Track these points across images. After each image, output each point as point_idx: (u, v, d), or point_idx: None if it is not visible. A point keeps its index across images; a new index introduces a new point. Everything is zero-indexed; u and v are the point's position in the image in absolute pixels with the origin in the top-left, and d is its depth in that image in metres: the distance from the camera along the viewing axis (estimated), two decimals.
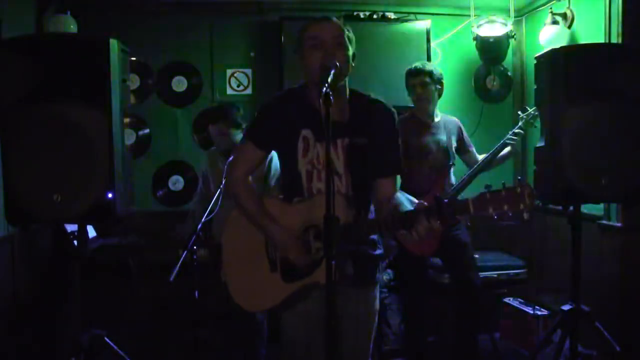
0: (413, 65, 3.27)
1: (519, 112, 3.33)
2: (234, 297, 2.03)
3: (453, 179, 3.29)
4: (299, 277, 1.87)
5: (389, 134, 1.97)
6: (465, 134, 3.41)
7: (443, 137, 3.26)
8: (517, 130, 3.23)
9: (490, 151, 3.27)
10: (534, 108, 3.20)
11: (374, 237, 2.01)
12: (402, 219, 1.72)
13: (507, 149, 3.26)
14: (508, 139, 3.23)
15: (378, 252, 2.01)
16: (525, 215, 1.58)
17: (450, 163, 3.25)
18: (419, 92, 3.19)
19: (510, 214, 1.58)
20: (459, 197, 3.31)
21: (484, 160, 3.28)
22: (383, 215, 1.85)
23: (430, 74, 3.19)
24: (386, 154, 1.96)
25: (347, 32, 1.86)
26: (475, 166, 3.27)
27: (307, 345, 1.97)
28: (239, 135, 3.28)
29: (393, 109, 1.99)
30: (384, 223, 1.76)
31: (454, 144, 3.31)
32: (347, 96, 1.94)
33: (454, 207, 1.64)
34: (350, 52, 1.86)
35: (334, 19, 1.89)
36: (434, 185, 3.17)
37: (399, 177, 2.02)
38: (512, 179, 4.40)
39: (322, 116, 1.52)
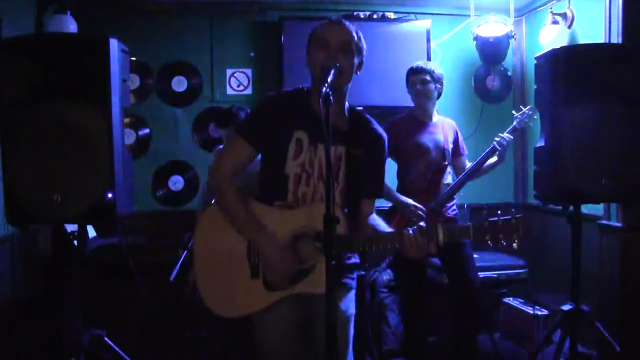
0: (415, 64, 3.28)
1: (513, 112, 3.33)
2: (205, 299, 1.90)
3: (449, 179, 3.29)
4: (283, 287, 1.83)
5: (380, 157, 1.99)
6: (460, 137, 3.40)
7: (440, 137, 3.26)
8: (505, 135, 3.21)
9: (477, 159, 3.24)
10: (528, 107, 3.20)
11: None
12: (396, 237, 1.76)
13: (494, 159, 3.22)
14: (497, 144, 3.20)
15: (352, 261, 2.00)
16: (515, 245, 1.73)
17: (446, 163, 3.25)
18: (418, 89, 3.19)
19: (505, 243, 1.73)
20: (457, 200, 3.33)
21: (470, 169, 3.24)
22: (370, 232, 1.91)
23: (431, 73, 3.19)
24: (373, 175, 1.99)
25: (355, 38, 1.83)
26: (462, 175, 3.25)
27: (285, 349, 1.93)
28: None
29: (386, 135, 2.01)
30: (381, 240, 1.79)
31: (451, 145, 3.31)
32: (346, 107, 1.93)
33: (455, 233, 1.75)
34: (356, 60, 1.84)
35: (347, 23, 1.85)
36: (429, 185, 3.18)
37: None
38: (512, 181, 4.42)
39: (321, 119, 1.51)
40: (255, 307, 1.86)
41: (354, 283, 2.01)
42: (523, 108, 3.26)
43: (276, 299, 1.84)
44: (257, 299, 1.85)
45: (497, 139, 3.19)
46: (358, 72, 1.88)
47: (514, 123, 3.28)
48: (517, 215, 1.73)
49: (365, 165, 1.91)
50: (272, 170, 1.90)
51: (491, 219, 1.74)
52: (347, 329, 1.96)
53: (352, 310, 1.99)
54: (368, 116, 2.00)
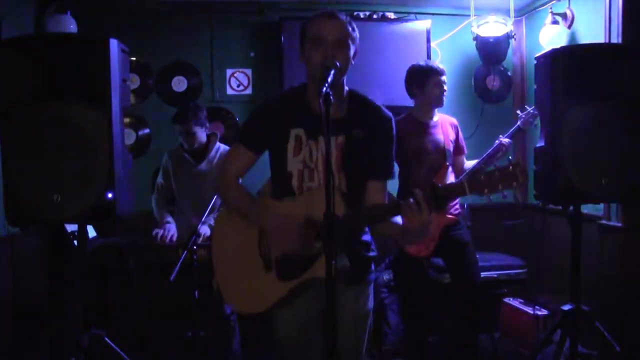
0: (432, 63, 3.27)
1: (518, 112, 3.33)
2: (229, 301, 2.01)
3: (451, 178, 3.28)
4: (296, 275, 1.84)
5: (385, 138, 1.94)
6: (461, 136, 3.39)
7: (440, 137, 3.26)
8: (505, 140, 3.22)
9: (481, 158, 3.25)
10: (532, 107, 3.20)
11: (368, 239, 2.00)
12: (396, 205, 1.73)
13: (498, 154, 3.22)
14: (500, 144, 3.21)
15: (372, 254, 2.01)
16: (520, 197, 1.64)
17: (448, 163, 3.25)
18: (444, 89, 3.19)
19: (505, 193, 1.67)
20: (459, 199, 3.32)
21: (474, 167, 3.25)
22: (368, 208, 1.86)
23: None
24: (379, 156, 1.93)
25: (350, 31, 1.83)
26: (465, 173, 3.26)
27: (302, 344, 1.96)
28: (203, 134, 3.37)
29: (392, 116, 1.97)
30: (379, 208, 1.77)
31: (452, 145, 3.30)
32: (345, 94, 1.93)
33: (449, 190, 1.70)
34: (352, 51, 1.84)
35: (339, 15, 1.84)
36: None
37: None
38: None
39: (317, 114, 1.52)
40: (272, 299, 1.88)
41: (372, 277, 2.02)
42: (528, 108, 3.26)
43: (290, 288, 1.85)
44: (273, 291, 1.87)
45: (502, 142, 3.19)
46: (354, 61, 1.87)
47: (518, 123, 3.28)
48: (514, 162, 1.67)
49: (369, 146, 1.90)
50: (277, 169, 1.95)
51: (487, 171, 1.68)
52: (365, 324, 2.00)
53: (370, 304, 2.01)
54: (371, 100, 1.96)
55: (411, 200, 1.68)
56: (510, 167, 1.66)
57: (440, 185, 1.70)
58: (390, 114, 1.96)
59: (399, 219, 1.77)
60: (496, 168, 1.67)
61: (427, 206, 1.67)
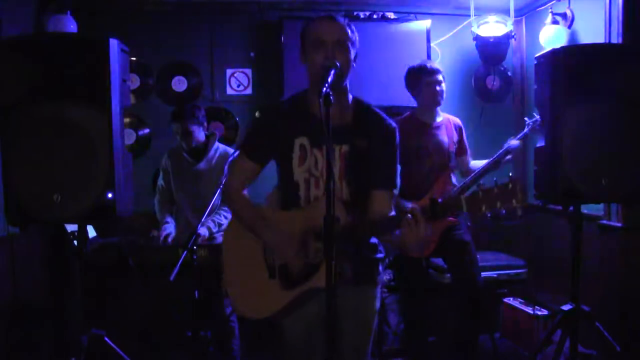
0: (424, 63, 3.25)
1: (526, 119, 3.31)
2: (234, 304, 2.03)
3: (455, 180, 3.27)
4: (298, 284, 1.84)
5: (389, 148, 1.95)
6: (464, 137, 3.37)
7: (444, 137, 3.24)
8: (514, 142, 3.20)
9: (491, 158, 3.23)
10: None
11: (375, 240, 2.00)
12: (394, 219, 1.74)
13: (508, 157, 3.20)
14: (510, 147, 3.19)
15: (379, 255, 2.01)
16: (519, 211, 1.60)
17: (452, 164, 3.23)
18: (437, 89, 3.16)
19: (504, 211, 1.61)
20: None
21: (483, 167, 3.24)
22: (369, 219, 1.87)
23: (442, 72, 3.20)
24: (383, 165, 1.93)
25: (350, 33, 1.83)
26: (474, 174, 3.24)
27: (308, 346, 1.96)
28: (201, 133, 3.37)
29: (396, 125, 1.97)
30: (379, 224, 1.78)
31: (455, 147, 3.29)
32: (349, 101, 1.93)
33: (446, 206, 1.68)
34: (352, 54, 1.84)
35: (339, 18, 1.85)
36: (434, 186, 3.16)
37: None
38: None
39: (320, 121, 1.52)
40: (274, 307, 1.89)
41: (379, 277, 2.02)
42: (535, 115, 3.24)
43: (292, 298, 1.86)
44: (275, 299, 1.88)
45: (509, 146, 3.17)
46: (354, 64, 1.88)
47: (526, 129, 3.26)
48: (514, 179, 1.61)
49: (373, 156, 1.90)
50: (285, 179, 1.95)
51: (485, 188, 1.62)
52: (371, 325, 2.00)
53: (377, 305, 2.02)
54: (376, 108, 1.96)
55: (409, 216, 1.67)
56: (510, 185, 1.60)
57: (440, 200, 1.68)
58: (394, 123, 1.97)
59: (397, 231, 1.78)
60: (495, 185, 1.62)
61: (425, 222, 1.67)
